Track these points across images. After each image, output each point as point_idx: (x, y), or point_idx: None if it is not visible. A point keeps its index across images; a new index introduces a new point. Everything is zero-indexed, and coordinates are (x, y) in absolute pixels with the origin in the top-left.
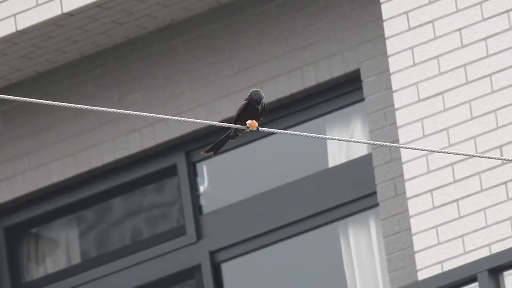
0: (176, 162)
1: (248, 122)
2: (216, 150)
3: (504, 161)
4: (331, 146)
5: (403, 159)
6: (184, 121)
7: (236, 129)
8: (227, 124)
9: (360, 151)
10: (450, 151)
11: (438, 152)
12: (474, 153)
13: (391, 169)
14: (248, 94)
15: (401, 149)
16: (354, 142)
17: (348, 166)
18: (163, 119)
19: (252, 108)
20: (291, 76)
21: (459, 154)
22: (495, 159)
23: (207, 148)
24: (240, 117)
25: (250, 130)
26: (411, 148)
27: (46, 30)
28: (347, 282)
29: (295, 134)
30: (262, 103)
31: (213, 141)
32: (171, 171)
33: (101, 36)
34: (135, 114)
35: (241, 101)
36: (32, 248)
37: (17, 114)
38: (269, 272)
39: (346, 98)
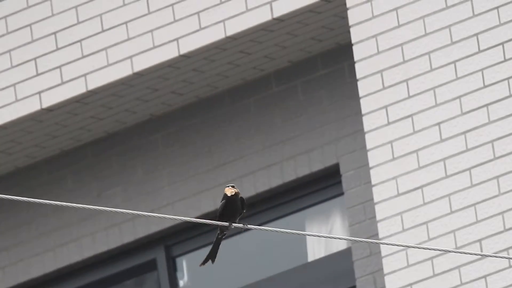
0: (155, 256)
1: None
2: (213, 257)
3: (483, 255)
4: (311, 240)
5: (383, 253)
6: (164, 217)
7: (221, 229)
8: (204, 221)
9: (340, 245)
10: (428, 246)
11: (417, 247)
12: (453, 247)
13: (370, 263)
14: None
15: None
16: (333, 238)
17: (328, 260)
18: (141, 214)
19: (231, 204)
20: (271, 170)
21: (436, 250)
22: (472, 254)
23: (204, 260)
24: (222, 216)
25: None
26: (389, 244)
27: (25, 125)
28: None
29: (272, 231)
30: (241, 198)
31: (192, 235)
32: (151, 265)
33: (80, 131)
34: (113, 211)
35: (220, 195)
36: None
37: None
38: None
39: (325, 192)
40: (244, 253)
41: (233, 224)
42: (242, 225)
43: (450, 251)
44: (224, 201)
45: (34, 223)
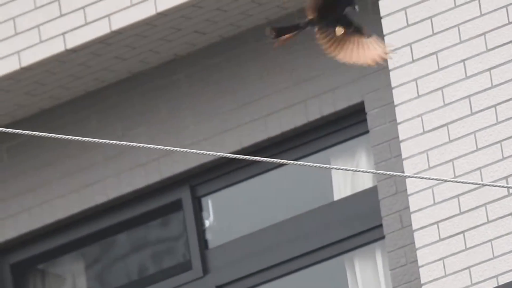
0: (181, 196)
1: (338, 29)
2: (282, 34)
3: (511, 190)
4: (336, 179)
5: (409, 191)
6: (190, 153)
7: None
8: (233, 156)
9: (366, 183)
10: (457, 180)
11: (445, 180)
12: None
13: (396, 202)
14: None
15: (406, 181)
16: (360, 172)
17: (354, 199)
18: (167, 153)
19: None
20: (295, 109)
21: (465, 183)
22: (501, 187)
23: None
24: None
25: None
26: (418, 177)
27: (49, 66)
28: None
29: (304, 165)
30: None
31: (217, 175)
32: (176, 205)
33: (104, 72)
34: (139, 147)
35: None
36: (38, 284)
37: (21, 150)
38: None
39: (350, 130)
40: (269, 193)
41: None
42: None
43: (477, 184)
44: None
45: (58, 164)
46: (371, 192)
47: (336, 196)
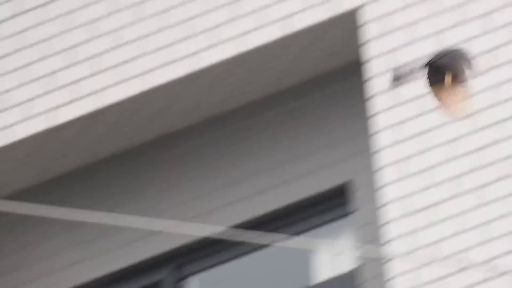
0: (162, 277)
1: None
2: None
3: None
4: (319, 261)
5: (390, 274)
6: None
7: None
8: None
9: (347, 266)
10: (438, 265)
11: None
12: (461, 267)
13: (378, 285)
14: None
15: (388, 264)
16: (342, 251)
17: (334, 282)
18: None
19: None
20: (278, 190)
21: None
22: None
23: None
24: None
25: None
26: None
27: (38, 141)
28: None
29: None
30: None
31: (205, 254)
32: (158, 287)
33: (91, 149)
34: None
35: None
36: None
37: (4, 229)
38: None
39: (334, 212)
40: (254, 275)
41: None
42: None
43: (461, 267)
44: None
45: (42, 243)
46: (353, 276)
47: (318, 279)
